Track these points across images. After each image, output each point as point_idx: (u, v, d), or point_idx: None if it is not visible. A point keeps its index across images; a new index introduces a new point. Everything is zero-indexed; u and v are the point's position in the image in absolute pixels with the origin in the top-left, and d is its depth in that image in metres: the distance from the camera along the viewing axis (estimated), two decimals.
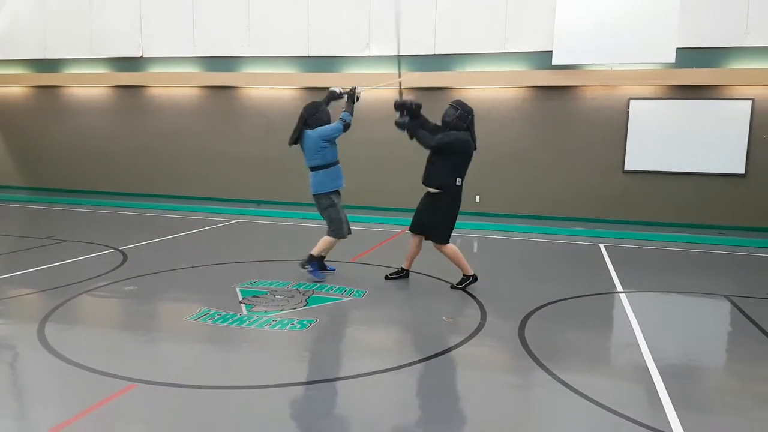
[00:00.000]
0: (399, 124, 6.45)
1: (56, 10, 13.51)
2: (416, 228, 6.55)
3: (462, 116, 6.19)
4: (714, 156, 10.38)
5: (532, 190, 11.29)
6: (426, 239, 6.52)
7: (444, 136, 6.15)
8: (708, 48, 10.15)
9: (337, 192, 6.85)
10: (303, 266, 6.78)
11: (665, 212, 10.73)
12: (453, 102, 6.36)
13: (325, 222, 6.90)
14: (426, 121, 6.48)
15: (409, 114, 6.41)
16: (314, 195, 6.81)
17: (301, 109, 6.93)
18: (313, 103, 6.98)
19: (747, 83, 10.09)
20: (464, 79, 11.24)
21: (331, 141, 6.75)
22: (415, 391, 3.96)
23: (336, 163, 6.84)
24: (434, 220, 6.31)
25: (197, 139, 13.08)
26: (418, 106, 6.42)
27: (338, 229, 6.77)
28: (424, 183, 6.37)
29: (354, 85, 7.18)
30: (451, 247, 6.36)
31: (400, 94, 6.77)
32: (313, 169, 6.77)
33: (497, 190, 11.38)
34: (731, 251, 9.31)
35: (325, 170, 6.75)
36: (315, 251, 6.76)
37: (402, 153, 11.71)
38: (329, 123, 6.85)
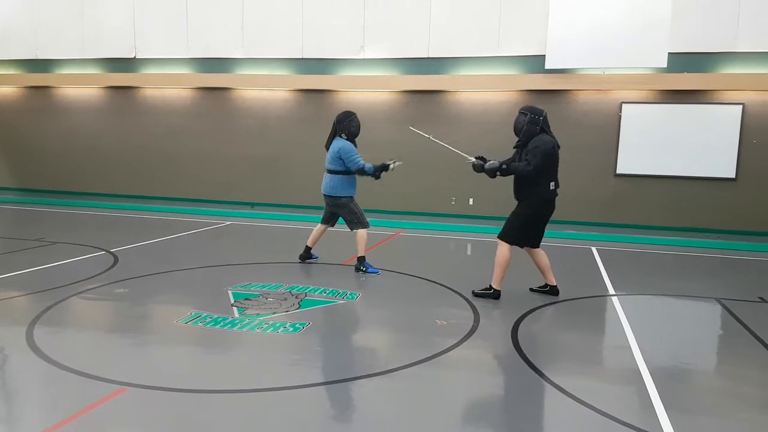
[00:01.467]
0: (491, 172, 6.20)
1: (48, 10, 13.46)
2: (522, 242, 6.29)
3: (533, 120, 5.94)
4: (705, 160, 10.44)
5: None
6: (533, 248, 6.31)
7: (533, 153, 5.84)
8: (699, 53, 10.23)
9: (350, 197, 7.29)
10: (358, 270, 7.27)
11: (657, 216, 10.78)
12: (521, 108, 6.13)
13: (345, 223, 7.41)
14: (484, 160, 6.28)
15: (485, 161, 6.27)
16: (328, 196, 7.30)
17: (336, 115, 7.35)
18: (346, 112, 7.33)
19: (738, 88, 10.16)
20: (458, 83, 11.27)
21: (344, 162, 7.12)
22: (408, 394, 3.95)
23: (350, 173, 7.22)
24: (512, 217, 6.14)
25: (190, 140, 13.05)
26: (484, 159, 6.29)
27: (363, 220, 7.29)
28: (516, 198, 6.15)
29: (397, 163, 7.33)
30: (503, 249, 6.09)
31: (478, 165, 6.32)
32: (330, 172, 7.22)
33: (490, 193, 11.37)
34: (722, 254, 9.36)
35: (340, 176, 7.19)
36: (360, 252, 7.28)
37: (396, 155, 11.73)
38: (357, 133, 7.27)
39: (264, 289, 6.37)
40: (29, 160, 14.29)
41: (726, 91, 10.26)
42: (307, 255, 7.75)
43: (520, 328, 5.29)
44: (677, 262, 8.74)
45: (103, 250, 8.21)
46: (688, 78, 10.20)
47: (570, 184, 11.07)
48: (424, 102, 11.56)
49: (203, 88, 12.82)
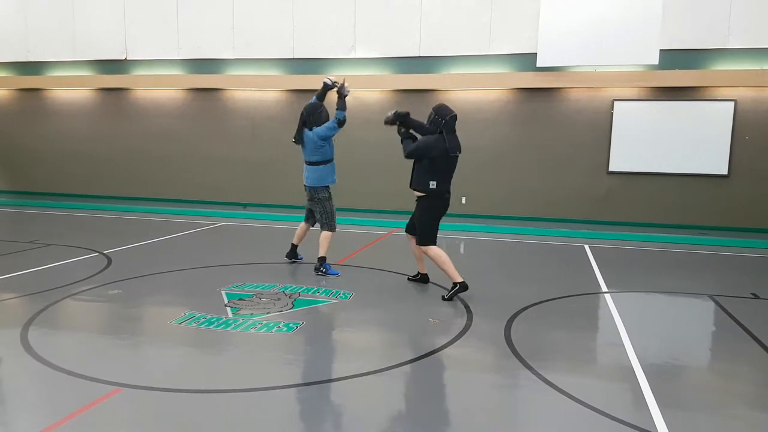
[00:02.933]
0: (388, 121, 6.53)
1: (39, 13, 13.41)
2: (410, 229, 6.66)
3: (435, 121, 6.19)
4: (697, 157, 10.49)
5: (517, 191, 11.34)
6: (414, 236, 6.55)
7: (417, 143, 6.21)
8: (691, 50, 10.27)
9: (327, 188, 7.26)
10: (317, 270, 7.16)
11: (649, 213, 10.83)
12: (433, 107, 6.35)
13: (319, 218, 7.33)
14: (419, 124, 6.47)
15: (401, 122, 6.46)
16: (311, 188, 7.22)
17: (301, 110, 7.30)
18: (310, 103, 7.30)
19: (729, 84, 10.21)
20: (449, 82, 11.28)
21: (328, 139, 7.12)
22: (402, 392, 3.96)
23: (331, 160, 7.25)
24: (418, 222, 6.38)
25: (182, 141, 13.03)
26: (404, 115, 6.46)
27: (332, 222, 7.25)
28: (410, 187, 6.41)
29: (344, 79, 7.31)
30: (434, 249, 6.25)
31: (390, 119, 6.54)
32: (311, 164, 7.18)
33: (482, 191, 11.42)
34: (714, 251, 9.41)
35: (322, 166, 7.17)
36: (321, 252, 7.17)
37: (389, 155, 11.75)
38: (327, 122, 7.19)
39: (257, 289, 6.36)
40: (21, 162, 14.24)
41: (718, 88, 10.32)
42: (293, 254, 7.76)
43: (512, 326, 5.31)
44: (670, 259, 8.78)
45: (97, 251, 8.19)
46: (679, 75, 10.25)
47: (562, 181, 11.16)
48: (416, 101, 11.54)
49: (194, 89, 12.80)
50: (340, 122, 7.07)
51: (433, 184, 6.16)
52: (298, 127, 7.25)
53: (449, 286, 6.27)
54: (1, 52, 13.77)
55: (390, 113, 6.47)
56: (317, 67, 11.98)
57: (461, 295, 6.21)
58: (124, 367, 4.25)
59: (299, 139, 7.26)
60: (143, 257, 8.01)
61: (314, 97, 7.28)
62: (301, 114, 7.23)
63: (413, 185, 6.34)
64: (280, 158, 12.32)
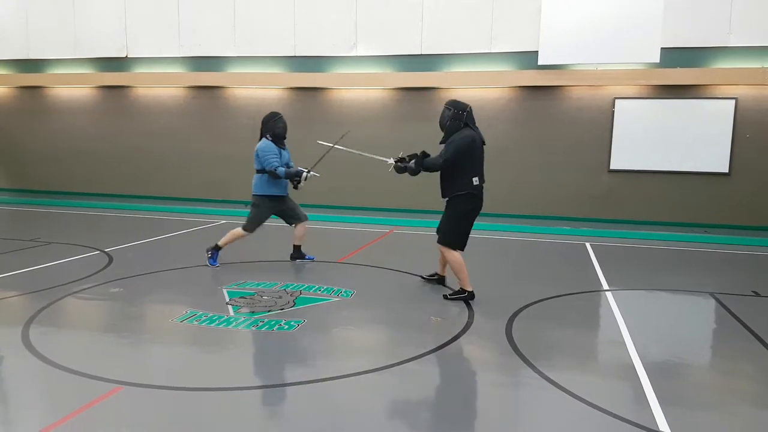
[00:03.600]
0: (400, 170, 6.29)
1: (39, 10, 13.40)
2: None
3: (456, 115, 5.89)
4: (698, 155, 10.48)
5: (518, 189, 11.34)
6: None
7: (446, 148, 5.84)
8: (692, 48, 10.26)
9: (266, 197, 7.21)
10: (207, 251, 7.38)
11: (650, 211, 10.82)
12: (446, 103, 6.05)
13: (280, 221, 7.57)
14: (424, 153, 6.14)
15: (407, 162, 6.22)
16: (252, 195, 7.28)
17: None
18: (271, 113, 7.33)
19: (730, 83, 10.20)
20: (450, 80, 11.27)
21: (261, 163, 7.12)
22: (403, 390, 3.96)
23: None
24: (443, 221, 6.08)
25: (183, 139, 13.02)
26: (405, 159, 6.25)
27: (248, 225, 7.27)
28: (442, 196, 6.07)
29: (311, 173, 7.26)
30: (453, 255, 5.99)
31: (400, 167, 6.31)
32: (256, 170, 7.24)
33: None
34: (716, 249, 9.40)
35: (261, 175, 7.18)
36: (221, 242, 7.34)
37: (389, 152, 11.73)
38: (283, 135, 7.28)
39: (259, 287, 6.37)
40: (22, 160, 14.24)
41: (719, 86, 10.30)
42: (298, 254, 7.75)
43: (514, 324, 5.31)
44: (671, 257, 8.78)
45: (98, 249, 8.19)
46: (681, 73, 10.24)
47: (564, 180, 11.15)
48: (417, 99, 11.56)
49: (196, 86, 12.79)
50: (272, 173, 7.04)
51: (476, 181, 5.85)
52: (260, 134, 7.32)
53: (455, 287, 6.28)
54: (2, 50, 13.76)
55: (409, 164, 6.15)
56: (319, 64, 11.98)
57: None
58: (125, 365, 4.25)
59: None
60: (144, 255, 8.02)
61: (281, 170, 7.10)
62: (261, 122, 7.30)
63: (451, 192, 5.94)
64: None
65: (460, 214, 5.96)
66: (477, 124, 6.04)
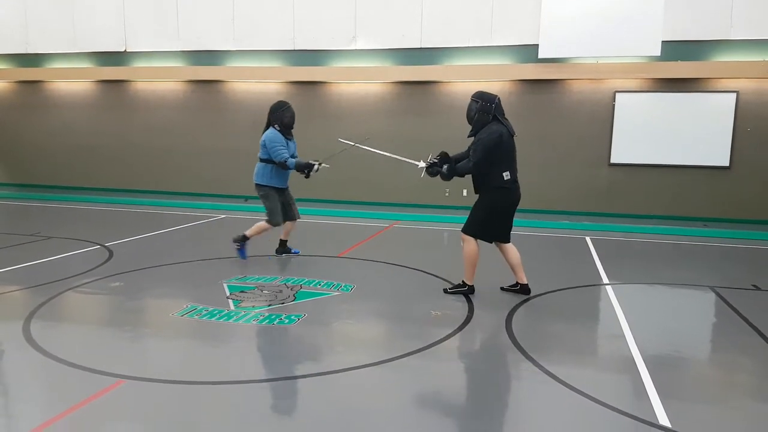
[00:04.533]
0: (432, 174, 6.05)
1: (38, 4, 13.36)
2: (498, 236, 6.05)
3: (485, 108, 5.65)
4: (699, 149, 10.47)
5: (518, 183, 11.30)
6: (502, 243, 6.01)
7: (475, 150, 5.64)
8: (693, 41, 10.24)
9: (273, 188, 7.20)
10: (235, 241, 7.30)
11: (651, 204, 10.82)
12: (473, 95, 5.79)
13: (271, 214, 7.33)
14: (456, 156, 6.00)
15: (440, 165, 5.99)
16: (255, 183, 7.24)
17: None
18: (280, 101, 7.29)
19: (731, 76, 10.18)
20: (451, 73, 11.25)
21: (269, 153, 7.09)
22: (403, 384, 3.97)
23: (277, 164, 7.14)
24: (473, 210, 5.89)
25: (182, 134, 13.01)
26: (436, 164, 6.01)
27: (272, 219, 7.21)
28: (475, 192, 5.90)
29: (323, 165, 7.24)
30: (469, 244, 5.85)
31: (432, 172, 6.05)
32: (260, 159, 7.19)
33: None
34: (715, 243, 9.41)
35: (264, 164, 7.15)
36: (247, 233, 7.26)
37: (390, 147, 11.71)
38: (291, 125, 7.21)
39: (259, 281, 6.37)
40: (21, 155, 14.23)
41: (720, 79, 10.29)
42: (283, 249, 7.74)
43: (514, 317, 5.31)
44: (671, 251, 8.78)
45: (98, 244, 8.19)
46: (682, 66, 10.22)
47: (564, 173, 11.15)
48: (417, 93, 11.54)
49: (195, 81, 12.77)
50: (282, 164, 7.04)
51: (506, 175, 5.65)
52: (266, 124, 7.27)
53: (458, 281, 6.30)
54: (1, 44, 13.73)
55: (437, 167, 5.97)
56: (318, 58, 11.96)
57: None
58: (126, 359, 4.26)
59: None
60: (144, 250, 8.02)
61: (291, 161, 7.08)
62: (269, 111, 7.24)
63: (480, 189, 5.81)
64: None
65: (486, 206, 5.79)
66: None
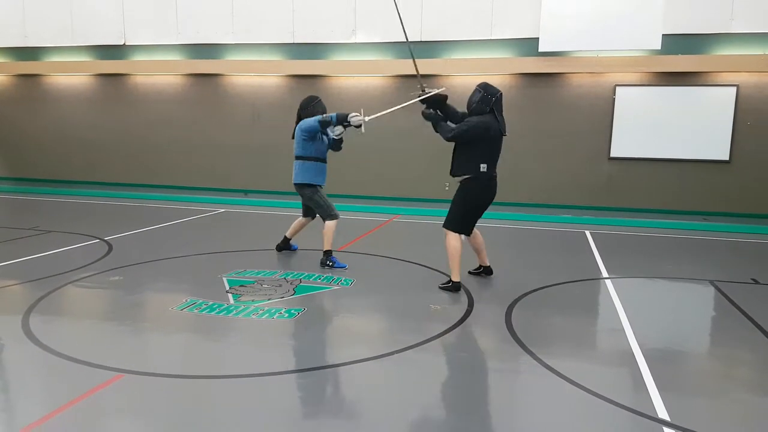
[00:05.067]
0: (426, 115, 6.07)
1: None
2: None
3: (484, 99, 5.78)
4: (699, 142, 10.46)
5: (518, 177, 11.31)
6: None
7: (461, 124, 5.78)
8: (693, 34, 10.21)
9: (314, 186, 6.90)
10: (324, 264, 6.86)
11: (650, 198, 10.81)
12: (478, 85, 5.92)
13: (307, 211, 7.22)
14: (454, 111, 6.12)
15: (436, 106, 6.07)
16: (294, 184, 6.96)
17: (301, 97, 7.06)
18: (309, 96, 7.07)
19: (732, 69, 10.16)
20: (451, 66, 11.22)
21: (310, 135, 6.72)
22: (403, 378, 3.97)
23: (317, 159, 6.86)
24: (453, 204, 5.98)
25: (182, 127, 12.99)
26: (443, 98, 6.06)
27: (330, 212, 6.92)
28: (450, 174, 6.01)
29: (364, 119, 6.53)
30: (451, 239, 5.93)
31: (423, 96, 6.12)
32: (296, 158, 6.91)
33: None
34: (715, 237, 9.40)
35: (304, 162, 6.84)
36: (326, 246, 6.89)
37: (390, 141, 11.72)
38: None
39: (259, 275, 6.37)
40: (20, 148, 14.21)
41: (720, 73, 10.26)
42: (284, 245, 7.60)
43: (513, 311, 5.31)
44: (670, 245, 8.78)
45: (97, 238, 8.19)
46: (682, 60, 10.19)
47: (564, 167, 11.14)
48: (417, 86, 11.49)
49: (194, 74, 12.74)
50: (323, 122, 6.58)
51: (483, 167, 5.76)
52: (296, 122, 6.99)
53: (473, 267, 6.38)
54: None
55: (433, 94, 6.00)
56: (318, 52, 11.92)
57: (462, 280, 6.23)
58: (125, 353, 4.26)
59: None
60: (144, 244, 8.01)
61: (330, 115, 6.67)
62: (299, 108, 6.99)
63: (458, 171, 5.89)
64: (281, 144, 12.26)
65: (467, 198, 5.89)
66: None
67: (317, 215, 7.21)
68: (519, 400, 3.78)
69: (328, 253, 6.91)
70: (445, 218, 6.04)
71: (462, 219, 5.95)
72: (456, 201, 5.96)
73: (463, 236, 6.07)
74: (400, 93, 11.63)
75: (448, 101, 6.14)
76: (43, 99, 13.84)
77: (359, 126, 6.47)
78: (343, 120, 6.55)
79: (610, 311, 5.48)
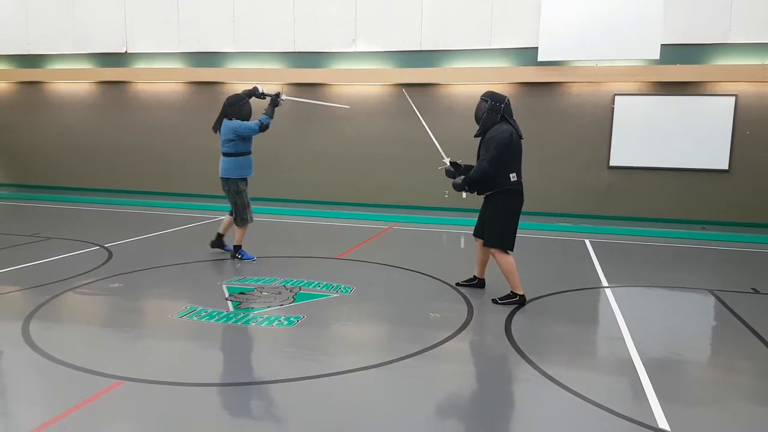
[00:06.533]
0: (456, 187, 5.90)
1: (39, 5, 13.37)
2: (477, 231, 6.08)
3: (493, 107, 5.65)
4: (698, 152, 10.48)
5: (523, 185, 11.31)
6: (481, 239, 6.03)
7: (487, 146, 5.59)
8: (692, 44, 10.25)
9: (244, 180, 7.38)
10: (233, 257, 7.47)
11: (650, 207, 10.83)
12: (482, 95, 5.80)
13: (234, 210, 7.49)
14: (466, 166, 5.99)
15: (458, 171, 5.97)
16: (222, 178, 7.35)
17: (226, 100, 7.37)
18: (236, 95, 7.40)
19: (730, 79, 10.20)
20: (450, 76, 11.26)
21: (241, 136, 7.17)
22: (403, 386, 3.97)
23: (247, 154, 7.34)
24: (492, 221, 5.79)
25: (183, 135, 13.01)
26: (459, 167, 5.98)
27: (243, 215, 7.39)
28: (478, 193, 5.91)
29: (279, 91, 7.48)
30: (503, 257, 5.77)
31: (452, 173, 6.02)
32: (223, 154, 7.28)
33: None
34: (715, 246, 9.41)
35: (234, 158, 7.25)
36: (236, 241, 7.47)
37: (389, 149, 11.75)
38: (248, 117, 7.31)
39: (258, 283, 6.37)
40: (21, 155, 14.23)
41: (719, 83, 10.30)
42: (218, 243, 7.84)
43: (513, 320, 5.32)
44: (670, 254, 8.78)
45: (97, 245, 8.19)
46: (681, 69, 10.23)
47: (563, 176, 11.15)
48: (417, 95, 11.43)
49: (195, 82, 12.78)
50: (263, 127, 7.13)
51: (513, 177, 5.65)
52: (219, 116, 7.32)
53: (466, 278, 6.38)
54: (2, 46, 13.74)
55: (454, 168, 5.96)
56: (318, 60, 11.97)
57: (463, 289, 6.24)
58: (125, 360, 4.26)
59: (218, 128, 7.35)
60: (144, 251, 8.02)
61: (262, 117, 7.22)
62: (224, 104, 7.30)
63: (489, 188, 5.76)
64: (281, 152, 12.32)
65: (504, 211, 5.73)
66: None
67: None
68: (520, 409, 3.77)
69: (237, 248, 7.46)
70: (488, 239, 5.83)
71: (505, 234, 5.75)
72: (494, 214, 5.76)
73: (478, 245, 6.01)
74: (400, 101, 11.68)
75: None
76: (46, 106, 13.87)
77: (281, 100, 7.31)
78: (272, 113, 7.25)
79: (610, 320, 5.48)
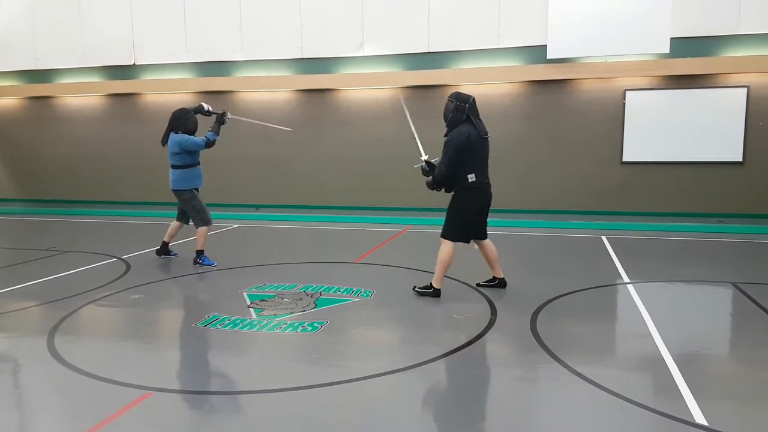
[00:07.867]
0: (429, 185, 6.09)
1: (46, 20, 13.44)
2: (475, 234, 6.16)
3: (459, 107, 5.78)
4: (711, 144, 10.41)
5: (531, 184, 11.30)
6: (479, 240, 6.14)
7: (446, 150, 5.74)
8: (702, 37, 10.19)
9: (196, 189, 7.68)
10: (195, 262, 7.60)
11: (665, 202, 10.76)
12: (449, 95, 5.98)
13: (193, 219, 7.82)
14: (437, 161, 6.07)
15: (432, 170, 6.03)
16: (173, 190, 7.67)
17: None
18: (182, 109, 7.66)
19: (741, 71, 10.13)
20: (459, 76, 11.23)
21: (187, 151, 7.40)
22: (432, 389, 3.94)
23: (194, 165, 7.63)
24: (447, 213, 6.01)
25: None
26: (434, 166, 6.03)
27: (203, 218, 7.68)
28: (446, 191, 6.02)
29: (225, 110, 7.81)
30: (446, 247, 5.92)
31: (427, 171, 6.10)
32: (172, 167, 7.55)
33: (496, 185, 11.25)
34: (732, 239, 9.34)
35: (182, 170, 7.54)
36: (198, 246, 7.64)
37: (403, 151, 11.71)
38: (194, 130, 7.55)
39: (278, 289, 6.36)
40: (34, 170, 14.29)
41: (730, 75, 10.23)
42: (164, 250, 8.05)
43: (538, 319, 5.28)
44: (688, 248, 8.73)
45: (114, 257, 8.21)
46: (691, 63, 10.17)
47: (577, 173, 11.11)
48: (426, 97, 11.51)
49: (204, 92, 12.79)
50: (209, 143, 7.41)
51: (471, 177, 5.74)
52: (166, 129, 7.54)
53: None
54: (11, 61, 13.81)
55: (427, 167, 6.06)
56: (327, 66, 11.97)
57: (483, 289, 6.21)
58: (152, 371, 4.25)
59: (165, 141, 7.56)
60: (161, 261, 8.02)
61: (209, 133, 7.50)
62: (170, 118, 7.53)
63: (450, 187, 5.91)
64: (292, 158, 12.33)
65: (458, 206, 5.90)
66: (483, 118, 5.96)
67: (188, 221, 7.97)
68: (552, 408, 3.73)
69: (199, 253, 7.62)
70: (442, 229, 6.02)
71: (457, 228, 5.92)
72: (450, 210, 5.98)
73: (461, 243, 6.05)
74: (409, 104, 11.65)
75: None
76: (55, 120, 13.93)
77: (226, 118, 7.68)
78: (218, 130, 7.59)
79: (635, 316, 5.43)
